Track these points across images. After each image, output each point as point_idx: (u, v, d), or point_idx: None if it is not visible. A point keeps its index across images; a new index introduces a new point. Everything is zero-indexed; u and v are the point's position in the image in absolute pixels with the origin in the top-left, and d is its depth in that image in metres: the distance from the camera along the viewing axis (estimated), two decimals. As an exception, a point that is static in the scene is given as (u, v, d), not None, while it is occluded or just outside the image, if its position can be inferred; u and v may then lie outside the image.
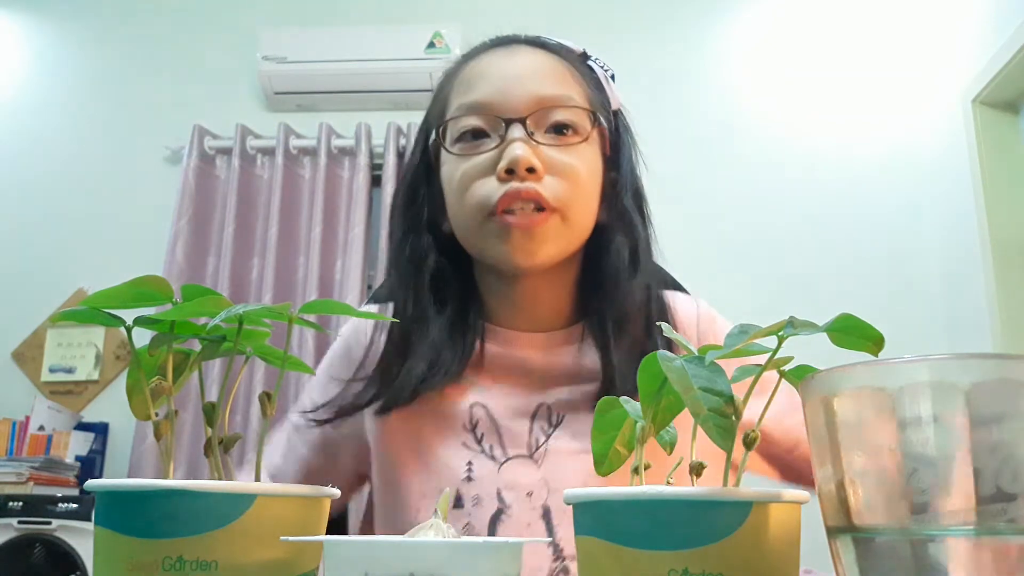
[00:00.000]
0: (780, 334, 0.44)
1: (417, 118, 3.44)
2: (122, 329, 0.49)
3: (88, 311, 0.49)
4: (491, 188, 0.80)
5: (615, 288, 0.84)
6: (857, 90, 2.99)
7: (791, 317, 0.43)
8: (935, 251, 2.82)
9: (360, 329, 0.93)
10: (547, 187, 0.79)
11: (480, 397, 0.85)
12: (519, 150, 0.78)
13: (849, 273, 2.81)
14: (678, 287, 1.07)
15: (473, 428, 0.83)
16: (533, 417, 0.84)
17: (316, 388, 0.92)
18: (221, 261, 2.96)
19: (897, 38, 3.01)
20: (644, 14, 3.15)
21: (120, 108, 3.27)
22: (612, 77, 0.91)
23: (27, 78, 3.37)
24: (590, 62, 0.90)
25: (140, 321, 0.49)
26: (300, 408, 0.91)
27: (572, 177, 0.81)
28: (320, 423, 0.87)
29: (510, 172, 0.78)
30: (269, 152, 3.11)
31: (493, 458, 0.82)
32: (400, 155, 3.06)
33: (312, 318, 0.52)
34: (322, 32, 3.15)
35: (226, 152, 3.13)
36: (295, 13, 3.28)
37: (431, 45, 3.01)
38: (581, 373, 0.85)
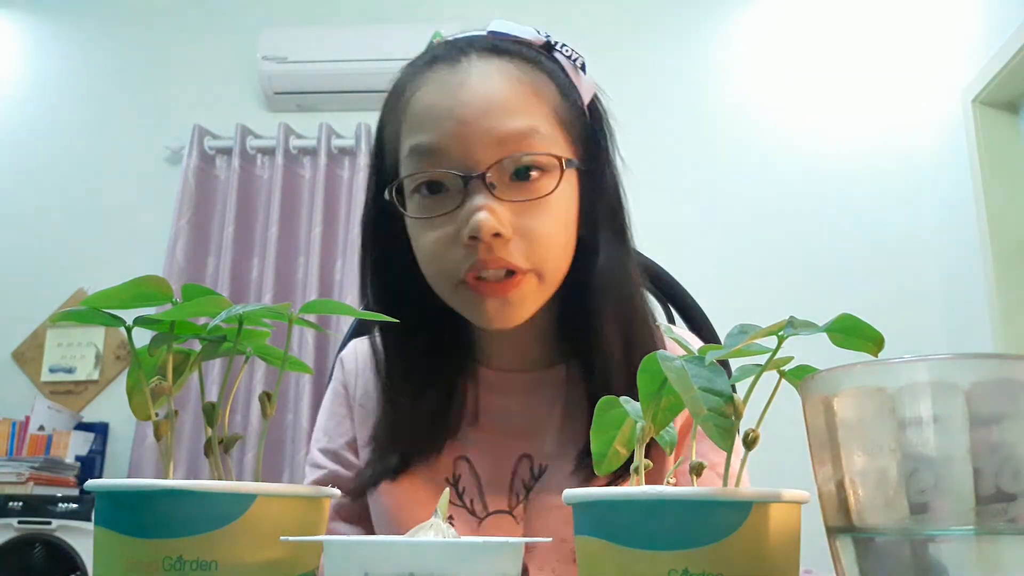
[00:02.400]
0: (780, 334, 0.44)
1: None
2: (122, 329, 0.49)
3: (88, 311, 0.49)
4: (457, 257, 0.73)
5: (595, 326, 0.79)
6: (857, 90, 2.99)
7: (791, 317, 0.43)
8: (935, 251, 2.82)
9: (340, 367, 0.93)
10: (516, 250, 0.73)
11: (464, 449, 0.82)
12: (482, 216, 0.70)
13: (849, 273, 2.81)
14: (674, 286, 1.06)
15: (455, 482, 0.81)
16: (515, 470, 0.81)
17: (323, 434, 0.91)
18: (221, 261, 2.96)
19: (897, 38, 3.01)
20: (644, 14, 3.15)
21: (120, 108, 3.27)
22: (583, 67, 0.81)
23: (27, 78, 3.37)
24: (556, 52, 0.80)
25: (140, 321, 0.49)
26: (315, 459, 0.89)
27: (543, 234, 0.74)
28: (356, 499, 0.85)
29: (474, 238, 0.71)
30: (269, 152, 3.11)
31: (474, 513, 0.80)
32: (400, 155, 3.06)
33: (312, 318, 0.52)
34: (322, 32, 3.15)
35: (226, 152, 3.13)
36: (295, 13, 3.28)
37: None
38: (565, 419, 0.83)
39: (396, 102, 0.79)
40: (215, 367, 2.44)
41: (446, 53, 0.78)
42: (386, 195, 0.78)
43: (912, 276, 2.81)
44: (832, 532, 0.42)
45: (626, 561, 0.41)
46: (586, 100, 0.81)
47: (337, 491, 0.51)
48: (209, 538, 0.43)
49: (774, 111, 3.03)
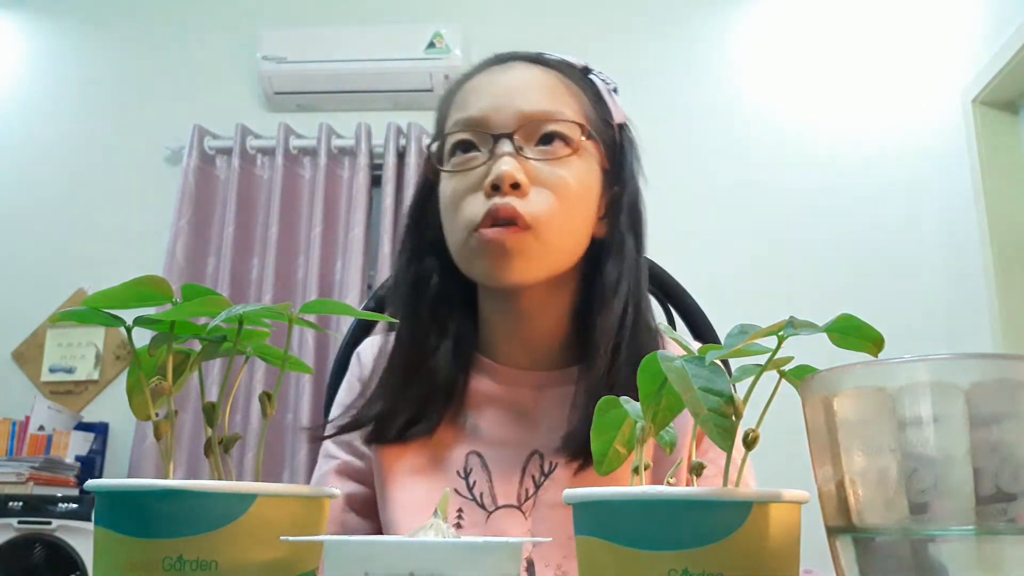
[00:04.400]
0: (780, 334, 0.44)
1: (417, 118, 3.43)
2: (122, 329, 0.49)
3: (88, 311, 0.49)
4: (478, 205, 0.80)
5: (607, 328, 0.83)
6: (857, 90, 2.99)
7: (791, 317, 0.43)
8: (935, 251, 2.82)
9: (357, 362, 0.95)
10: (529, 204, 0.79)
11: (475, 444, 0.85)
12: (505, 166, 0.78)
13: (849, 273, 2.81)
14: (673, 286, 1.06)
15: (466, 476, 0.84)
16: (525, 466, 0.84)
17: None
18: (221, 261, 2.96)
19: (897, 38, 3.01)
20: (645, 14, 3.15)
21: (120, 108, 3.27)
22: (615, 90, 0.90)
23: (27, 78, 3.37)
24: (592, 76, 0.89)
25: (140, 321, 0.49)
26: (328, 450, 0.92)
27: (560, 190, 0.81)
28: (326, 437, 0.88)
29: (496, 188, 0.79)
30: (269, 152, 3.11)
31: (483, 507, 0.82)
32: (400, 155, 3.06)
33: (312, 318, 0.52)
34: (322, 32, 3.15)
35: (226, 152, 3.13)
36: (295, 13, 3.28)
37: (431, 45, 3.01)
38: (575, 420, 0.84)
39: (450, 94, 0.90)
40: (215, 367, 2.45)
41: (498, 58, 0.89)
42: (427, 149, 0.88)
43: (912, 276, 2.81)
44: (832, 532, 0.42)
45: (626, 561, 0.41)
46: (616, 120, 0.89)
47: (338, 491, 0.51)
48: (209, 538, 0.43)
49: (773, 111, 3.03)
